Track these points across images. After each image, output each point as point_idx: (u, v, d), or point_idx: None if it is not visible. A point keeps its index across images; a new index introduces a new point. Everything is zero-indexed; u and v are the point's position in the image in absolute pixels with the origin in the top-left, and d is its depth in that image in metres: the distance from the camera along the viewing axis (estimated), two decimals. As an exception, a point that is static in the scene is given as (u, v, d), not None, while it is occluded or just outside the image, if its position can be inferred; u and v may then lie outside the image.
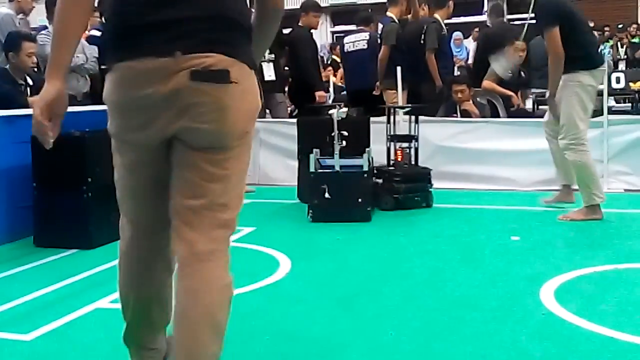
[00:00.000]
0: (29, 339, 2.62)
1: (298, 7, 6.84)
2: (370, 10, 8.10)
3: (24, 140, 4.05)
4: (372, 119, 5.37)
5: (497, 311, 2.77)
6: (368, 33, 6.82)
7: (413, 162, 5.13)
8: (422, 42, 6.44)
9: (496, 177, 5.65)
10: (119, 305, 2.98)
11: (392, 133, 5.16)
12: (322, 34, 17.52)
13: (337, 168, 4.65)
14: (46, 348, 2.55)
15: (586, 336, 2.46)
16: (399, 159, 5.05)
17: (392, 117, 5.21)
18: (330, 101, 8.16)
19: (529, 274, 3.25)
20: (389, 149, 5.14)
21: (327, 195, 4.53)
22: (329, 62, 11.67)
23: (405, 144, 5.11)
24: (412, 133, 5.11)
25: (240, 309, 2.91)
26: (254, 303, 3.01)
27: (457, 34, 13.04)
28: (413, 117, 5.16)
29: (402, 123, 5.38)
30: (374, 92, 6.62)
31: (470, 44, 12.90)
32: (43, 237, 4.11)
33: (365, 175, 4.62)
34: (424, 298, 2.99)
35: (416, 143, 5.08)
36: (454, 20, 14.99)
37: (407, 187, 4.96)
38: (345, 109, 4.98)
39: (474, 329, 2.58)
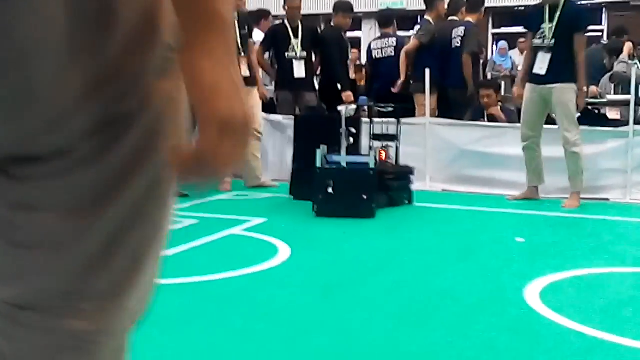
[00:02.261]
0: None
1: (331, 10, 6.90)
2: (420, 17, 7.97)
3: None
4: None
5: (477, 304, 2.74)
6: (395, 38, 6.85)
7: (394, 162, 5.21)
8: (456, 44, 6.41)
9: (519, 183, 5.54)
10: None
11: (374, 132, 5.15)
12: (372, 39, 17.55)
13: (344, 164, 4.66)
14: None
15: (557, 330, 2.41)
16: (383, 158, 5.05)
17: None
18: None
19: (520, 272, 3.19)
20: (370, 148, 5.12)
21: (330, 190, 4.53)
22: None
23: (390, 143, 5.15)
24: (394, 133, 5.13)
25: (225, 291, 2.98)
26: (240, 286, 3.06)
27: (502, 44, 12.87)
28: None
29: (384, 123, 5.39)
30: (392, 90, 6.63)
31: (515, 54, 12.71)
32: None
33: (371, 172, 4.63)
34: (408, 289, 2.98)
35: (397, 142, 5.10)
36: (501, 30, 14.95)
37: (398, 184, 5.02)
38: (354, 106, 4.99)
39: (447, 318, 2.56)
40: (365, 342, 2.35)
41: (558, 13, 4.88)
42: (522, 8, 15.20)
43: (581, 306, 2.69)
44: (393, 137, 5.08)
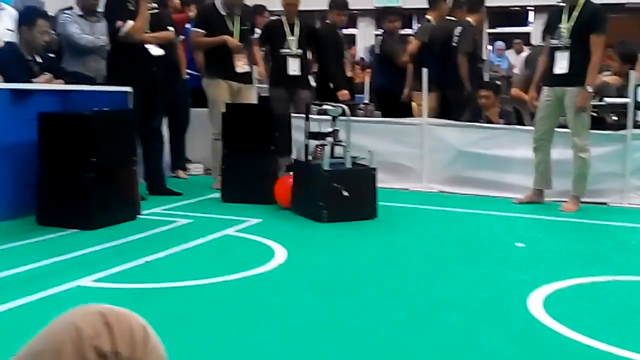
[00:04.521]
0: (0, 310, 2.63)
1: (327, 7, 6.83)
2: (417, 15, 8.01)
3: (31, 117, 4.11)
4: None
5: (478, 312, 2.67)
6: (382, 37, 6.88)
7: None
8: (453, 44, 6.38)
9: (517, 185, 5.47)
10: (101, 284, 3.02)
11: (309, 130, 4.97)
12: (367, 36, 17.45)
13: (349, 165, 4.58)
14: (14, 319, 2.55)
15: (561, 342, 2.35)
16: (318, 156, 4.86)
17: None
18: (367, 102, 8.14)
19: (522, 280, 3.12)
20: (307, 146, 4.96)
21: (345, 193, 4.40)
22: (369, 64, 11.62)
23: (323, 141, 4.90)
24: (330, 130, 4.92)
25: (221, 295, 2.90)
26: (235, 291, 2.98)
27: (499, 44, 12.84)
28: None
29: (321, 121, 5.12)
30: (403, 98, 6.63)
31: (511, 55, 12.67)
32: (46, 215, 4.12)
33: (373, 171, 4.58)
34: (408, 295, 2.91)
35: (332, 141, 4.88)
36: (497, 30, 14.91)
37: None
38: (342, 106, 4.88)
39: (448, 327, 2.49)
40: (365, 351, 2.28)
41: (576, 13, 4.80)
42: (518, 8, 15.24)
43: (586, 317, 2.63)
44: (328, 135, 4.96)
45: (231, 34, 5.54)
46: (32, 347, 0.79)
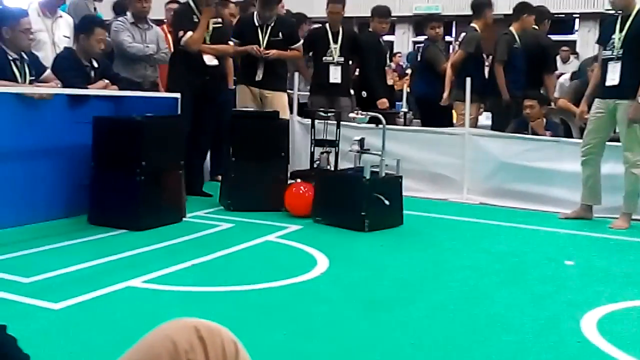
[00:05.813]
0: (57, 307, 2.70)
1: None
2: (455, 22, 7.98)
3: (86, 120, 4.24)
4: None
5: (530, 334, 2.62)
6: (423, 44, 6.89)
7: (333, 167, 4.99)
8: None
9: (562, 199, 5.38)
10: (150, 286, 3.07)
11: (315, 137, 4.99)
12: (405, 43, 17.42)
13: (382, 174, 4.60)
14: (70, 317, 2.62)
15: (620, 369, 2.30)
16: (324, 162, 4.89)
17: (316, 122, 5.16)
18: (405, 111, 8.12)
19: (574, 300, 3.06)
20: (312, 153, 4.99)
21: (386, 202, 4.41)
22: (406, 71, 11.59)
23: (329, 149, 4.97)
24: (335, 138, 4.97)
25: (266, 302, 2.92)
26: (280, 298, 3.00)
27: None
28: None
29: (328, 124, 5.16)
30: (442, 103, 6.55)
31: (557, 63, 12.43)
32: (97, 215, 4.24)
33: (400, 180, 4.64)
34: (456, 313, 2.87)
35: (337, 148, 4.96)
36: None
37: None
38: (367, 114, 4.89)
39: (499, 349, 2.45)
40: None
41: (629, 22, 4.69)
42: (563, 15, 15.01)
43: (643, 342, 2.56)
44: (333, 142, 4.92)
45: (258, 44, 5.58)
46: (129, 358, 0.83)
